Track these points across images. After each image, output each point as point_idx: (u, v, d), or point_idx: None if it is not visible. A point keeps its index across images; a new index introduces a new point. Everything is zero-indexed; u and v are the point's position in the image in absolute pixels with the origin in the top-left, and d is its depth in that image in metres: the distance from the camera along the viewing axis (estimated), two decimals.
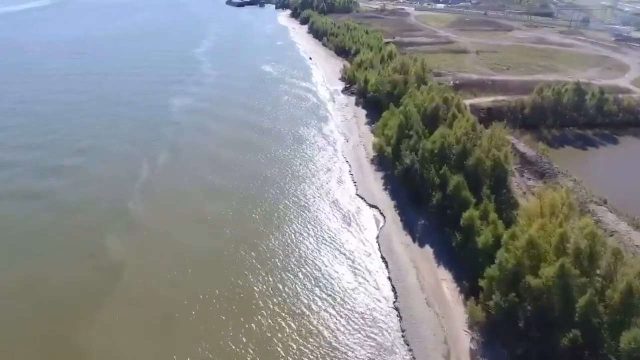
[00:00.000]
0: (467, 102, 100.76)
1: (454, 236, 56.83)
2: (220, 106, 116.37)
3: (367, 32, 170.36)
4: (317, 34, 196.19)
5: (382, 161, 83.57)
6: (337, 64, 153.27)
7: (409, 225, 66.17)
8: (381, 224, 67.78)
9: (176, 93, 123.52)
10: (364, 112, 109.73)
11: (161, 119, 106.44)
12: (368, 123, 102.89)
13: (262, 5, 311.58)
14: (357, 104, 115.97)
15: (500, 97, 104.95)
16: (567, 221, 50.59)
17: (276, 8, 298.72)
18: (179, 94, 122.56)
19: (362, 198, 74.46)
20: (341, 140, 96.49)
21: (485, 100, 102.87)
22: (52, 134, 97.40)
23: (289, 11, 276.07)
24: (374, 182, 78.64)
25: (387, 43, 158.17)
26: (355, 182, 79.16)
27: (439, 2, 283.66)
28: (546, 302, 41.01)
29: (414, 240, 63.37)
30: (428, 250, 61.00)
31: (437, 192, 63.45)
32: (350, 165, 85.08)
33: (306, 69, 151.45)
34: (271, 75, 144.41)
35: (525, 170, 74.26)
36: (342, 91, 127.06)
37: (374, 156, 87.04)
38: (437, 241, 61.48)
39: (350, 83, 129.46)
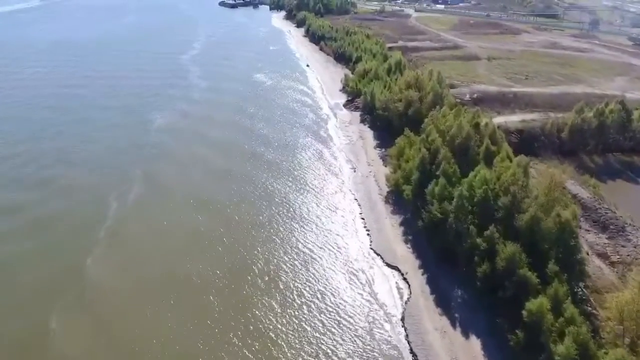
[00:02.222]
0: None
1: (514, 335, 40.20)
2: (205, 125, 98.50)
3: (367, 37, 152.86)
4: (314, 37, 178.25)
5: (399, 200, 66.54)
6: (336, 72, 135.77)
7: (443, 300, 49.28)
8: (406, 296, 50.87)
9: (157, 109, 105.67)
10: (371, 132, 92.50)
11: (138, 142, 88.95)
12: (377, 146, 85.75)
13: (255, 6, 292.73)
14: (362, 121, 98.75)
15: (528, 116, 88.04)
16: None
17: (270, 9, 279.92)
18: (160, 111, 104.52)
19: (379, 255, 57.40)
20: (347, 169, 79.35)
21: (512, 120, 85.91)
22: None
23: (283, 12, 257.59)
24: (392, 231, 61.63)
25: (390, 48, 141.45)
26: (368, 231, 62.11)
27: (438, 3, 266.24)
28: None
29: (452, 325, 46.47)
30: (474, 342, 44.12)
31: (483, 262, 46.63)
32: (360, 206, 68.01)
33: (303, 78, 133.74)
34: (265, 86, 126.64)
35: (582, 219, 57.52)
36: (345, 105, 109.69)
37: (388, 192, 70.08)
38: (484, 329, 44.68)
39: (353, 96, 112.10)
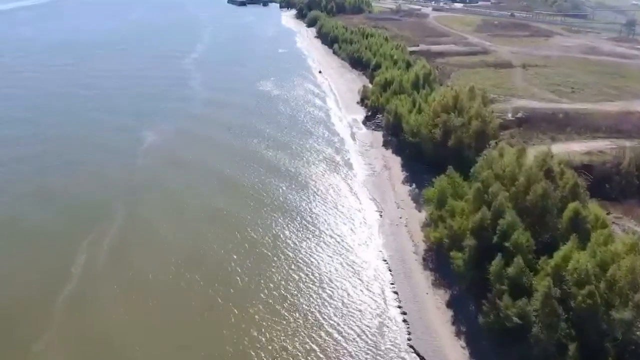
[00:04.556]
0: (534, 150, 66.64)
1: None
2: (198, 146, 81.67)
3: (386, 40, 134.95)
4: (327, 39, 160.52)
5: (442, 265, 49.53)
6: (353, 80, 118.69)
7: None
8: None
9: (152, 121, 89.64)
10: (397, 160, 75.15)
11: (120, 166, 72.50)
12: (407, 181, 68.45)
13: (265, 4, 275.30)
14: (385, 144, 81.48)
15: (592, 144, 69.97)
16: None
17: (280, 7, 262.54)
18: (147, 129, 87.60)
19: (422, 358, 40.49)
20: (371, 212, 62.19)
21: (572, 150, 67.88)
22: None
23: (294, 11, 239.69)
24: (437, 317, 44.46)
25: (412, 53, 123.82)
26: (404, 314, 44.88)
27: (456, 1, 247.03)
28: None
29: None
30: None
31: None
32: (391, 271, 50.85)
33: (315, 87, 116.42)
34: (271, 96, 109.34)
35: None
36: (364, 122, 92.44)
37: (425, 251, 53.14)
38: None
39: (372, 110, 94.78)
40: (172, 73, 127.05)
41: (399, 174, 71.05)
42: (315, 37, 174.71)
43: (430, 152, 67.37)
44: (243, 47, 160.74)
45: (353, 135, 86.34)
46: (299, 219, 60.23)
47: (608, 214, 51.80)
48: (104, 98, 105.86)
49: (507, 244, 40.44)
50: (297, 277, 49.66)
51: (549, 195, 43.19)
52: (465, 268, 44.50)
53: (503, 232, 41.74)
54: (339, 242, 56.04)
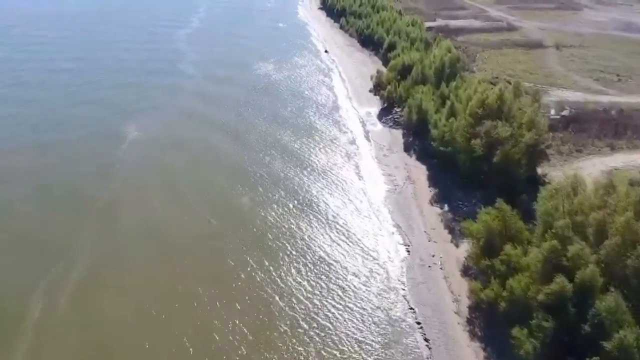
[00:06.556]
0: (592, 162, 54.61)
1: None
2: (189, 148, 68.79)
3: (400, 14, 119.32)
4: (333, 12, 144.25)
5: (494, 332, 37.48)
6: (363, 62, 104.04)
7: None
8: None
9: (134, 110, 76.60)
10: (423, 169, 61.77)
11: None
12: (436, 201, 55.32)
13: None
14: (407, 147, 68.01)
15: None
16: None
17: None
18: (129, 123, 74.63)
19: None
20: (395, 244, 49.54)
21: (635, 163, 54.74)
22: None
23: None
24: None
25: (429, 29, 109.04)
26: None
27: None
28: None
29: None
30: None
31: None
32: (427, 340, 38.36)
33: (321, 71, 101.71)
34: (269, 82, 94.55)
35: None
36: (379, 116, 78.70)
37: (470, 309, 40.85)
38: None
39: (389, 102, 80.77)
40: (164, 50, 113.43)
41: (425, 189, 57.92)
42: (319, 8, 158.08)
43: (466, 164, 54.22)
44: (240, 20, 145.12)
45: (367, 135, 72.75)
46: (308, 249, 47.75)
47: None
48: (99, 73, 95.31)
49: (606, 346, 27.94)
50: (305, 341, 37.52)
51: None
52: (534, 356, 32.27)
53: (598, 321, 29.22)
54: (357, 291, 43.63)
